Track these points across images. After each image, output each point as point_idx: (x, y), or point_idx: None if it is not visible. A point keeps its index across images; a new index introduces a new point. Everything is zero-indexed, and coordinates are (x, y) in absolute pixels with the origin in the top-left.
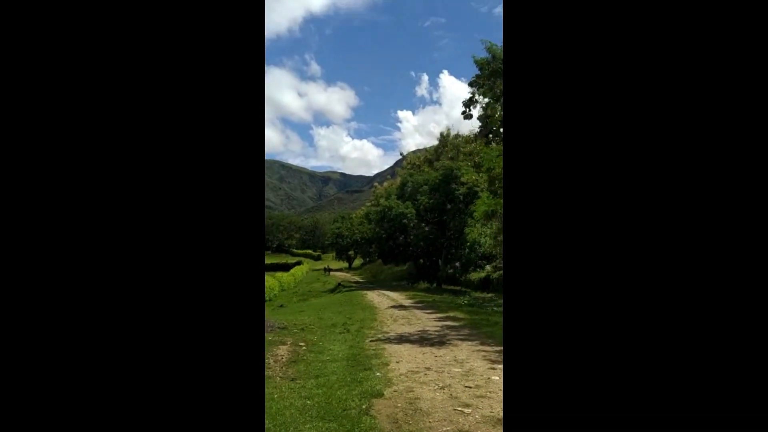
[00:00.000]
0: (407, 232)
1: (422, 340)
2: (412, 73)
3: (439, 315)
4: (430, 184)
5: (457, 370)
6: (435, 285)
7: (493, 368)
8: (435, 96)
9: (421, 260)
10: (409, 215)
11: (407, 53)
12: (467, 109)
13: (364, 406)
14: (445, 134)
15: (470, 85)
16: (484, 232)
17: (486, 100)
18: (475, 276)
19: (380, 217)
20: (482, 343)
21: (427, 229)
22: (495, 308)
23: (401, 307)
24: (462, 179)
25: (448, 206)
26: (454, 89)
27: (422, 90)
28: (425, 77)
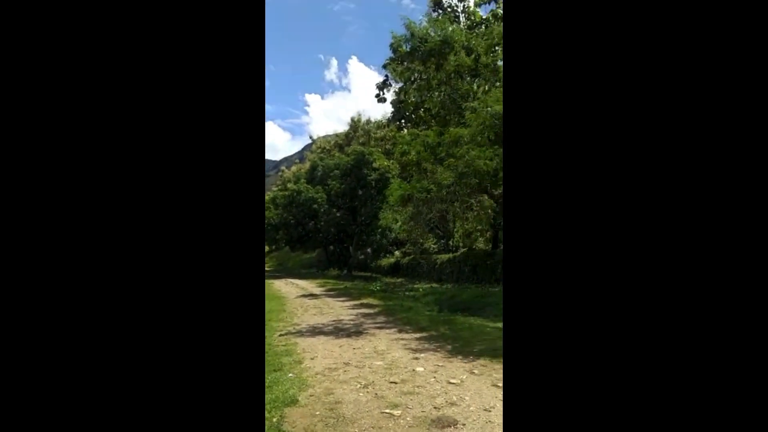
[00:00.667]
0: (318, 217)
1: (338, 330)
2: (321, 56)
3: (352, 302)
4: (342, 168)
5: (378, 363)
6: (346, 272)
7: (416, 358)
8: (344, 82)
9: (332, 247)
10: (319, 200)
11: (316, 35)
12: (381, 92)
13: (275, 419)
14: (356, 119)
15: (384, 67)
16: (396, 218)
17: (399, 84)
18: (386, 262)
19: (288, 202)
20: (400, 331)
21: (338, 214)
22: (407, 293)
23: (312, 295)
24: (374, 165)
25: (360, 192)
26: (364, 76)
27: (331, 74)
28: (334, 62)
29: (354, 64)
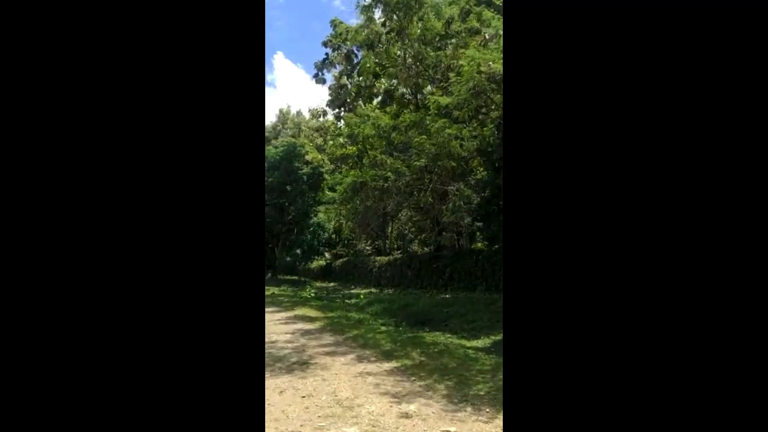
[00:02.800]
0: None
1: (273, 360)
2: None
3: (285, 315)
4: (270, 160)
5: (350, 430)
6: (271, 275)
7: (406, 415)
8: (270, 78)
9: None
10: None
11: None
12: (320, 73)
13: None
14: (284, 110)
15: (324, 45)
16: (339, 215)
17: (339, 68)
18: (316, 264)
19: None
20: (360, 359)
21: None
22: (346, 300)
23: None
24: (306, 157)
25: (289, 187)
26: (291, 73)
27: None
28: None
29: (280, 60)
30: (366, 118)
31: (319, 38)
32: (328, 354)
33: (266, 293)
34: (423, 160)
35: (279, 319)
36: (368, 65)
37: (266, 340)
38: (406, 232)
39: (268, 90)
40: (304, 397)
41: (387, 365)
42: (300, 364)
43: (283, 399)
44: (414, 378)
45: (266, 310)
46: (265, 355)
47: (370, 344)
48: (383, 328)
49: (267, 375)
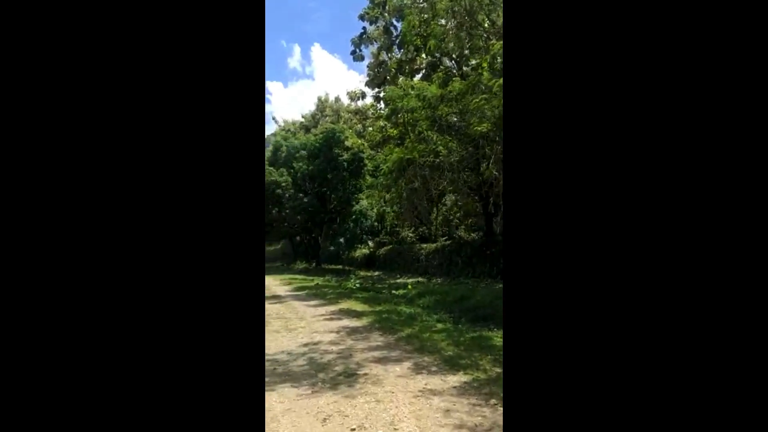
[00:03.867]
0: (282, 204)
1: (314, 369)
2: (283, 42)
3: (328, 308)
4: (309, 148)
5: None
6: (315, 265)
7: None
8: (308, 70)
9: (299, 237)
10: (283, 184)
11: (278, 19)
12: (357, 49)
13: None
14: (323, 98)
15: (361, 18)
16: (382, 199)
17: (378, 43)
18: (359, 253)
19: None
20: (418, 368)
21: (305, 200)
22: (393, 291)
23: (275, 297)
24: (346, 143)
25: (330, 175)
26: (328, 64)
27: (294, 62)
28: (297, 49)
29: (317, 52)
30: (410, 88)
31: (356, 28)
32: (379, 361)
33: (310, 284)
34: (485, 125)
35: (323, 315)
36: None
37: (309, 341)
38: (451, 217)
39: (306, 82)
40: (353, 430)
41: (453, 379)
42: (347, 376)
43: (326, 430)
44: (494, 400)
45: (309, 303)
46: (307, 363)
47: (429, 348)
48: (440, 326)
49: (308, 392)
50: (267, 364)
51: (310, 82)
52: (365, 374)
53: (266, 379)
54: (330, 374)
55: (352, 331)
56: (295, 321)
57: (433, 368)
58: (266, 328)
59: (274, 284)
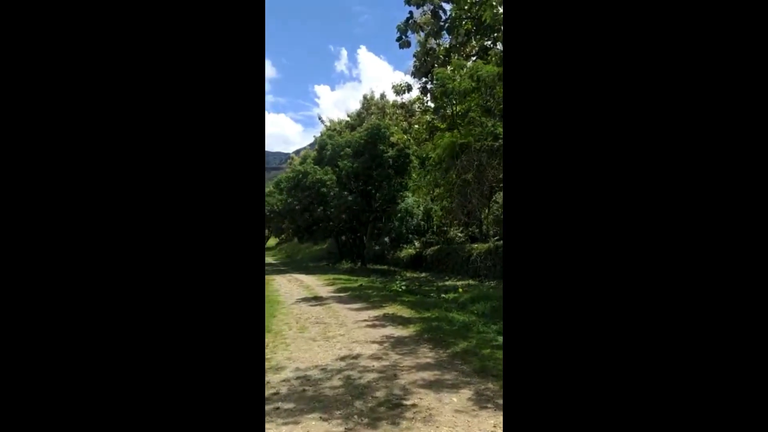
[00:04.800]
0: (327, 203)
1: (350, 394)
2: (331, 47)
3: (371, 313)
4: (354, 146)
5: None
6: (359, 265)
7: None
8: (354, 72)
9: (344, 236)
10: (328, 183)
11: (326, 25)
12: (403, 36)
13: None
14: (368, 96)
15: (407, 2)
16: (431, 189)
17: (426, 30)
18: (405, 253)
19: (293, 185)
20: (481, 399)
21: (350, 198)
22: (443, 295)
23: (316, 299)
24: (391, 139)
25: (375, 172)
26: (374, 66)
27: (341, 65)
28: (344, 52)
29: (363, 54)
30: (463, 68)
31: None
32: (430, 386)
33: (353, 285)
34: None
35: (365, 320)
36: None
37: (347, 353)
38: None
39: (353, 84)
40: None
41: None
42: (390, 407)
43: None
44: None
45: (352, 306)
46: (343, 384)
47: (491, 369)
48: (501, 339)
49: (340, 429)
50: (296, 382)
51: (357, 84)
52: (413, 405)
53: (291, 406)
54: (369, 402)
55: (398, 343)
56: (334, 327)
57: (501, 400)
58: (300, 337)
59: (317, 284)
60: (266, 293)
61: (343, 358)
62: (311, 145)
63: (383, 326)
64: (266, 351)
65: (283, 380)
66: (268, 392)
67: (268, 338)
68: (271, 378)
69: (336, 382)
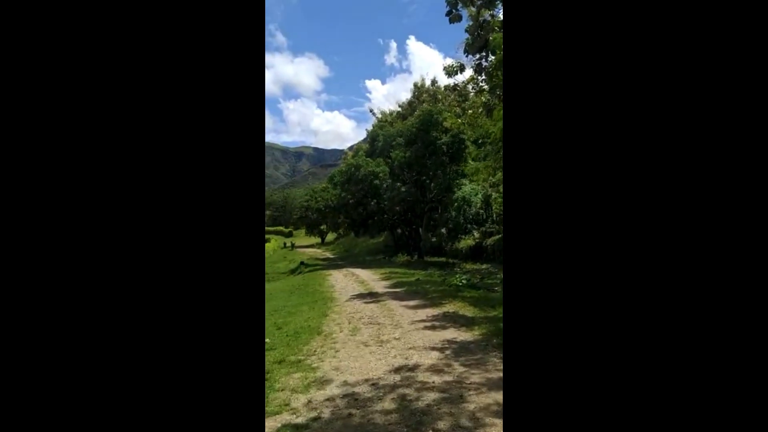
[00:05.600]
0: (380, 195)
1: (405, 425)
2: (380, 41)
3: (430, 312)
4: (406, 135)
5: None
6: (416, 257)
7: None
8: (405, 64)
9: (399, 229)
10: (381, 174)
11: (376, 19)
12: (453, 9)
13: None
14: (419, 84)
15: None
16: (488, 179)
17: (478, 2)
18: (464, 244)
19: (346, 179)
20: None
21: (403, 189)
22: None
23: (371, 295)
24: (444, 124)
25: (428, 161)
26: (424, 56)
27: (391, 58)
28: (393, 44)
29: (413, 44)
30: None
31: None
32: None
33: (410, 279)
34: None
35: (423, 320)
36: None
37: (402, 362)
38: None
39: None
40: None
41: None
42: None
43: None
44: None
45: (409, 304)
46: (397, 407)
47: None
48: None
49: None
50: (342, 402)
51: (407, 75)
52: None
53: (338, 420)
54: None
55: (461, 349)
56: (389, 329)
57: None
58: (351, 341)
59: (372, 279)
60: (321, 289)
61: (397, 370)
62: (365, 140)
63: (444, 328)
64: (313, 358)
65: (328, 398)
66: (308, 414)
67: (317, 341)
68: (314, 395)
69: (388, 404)
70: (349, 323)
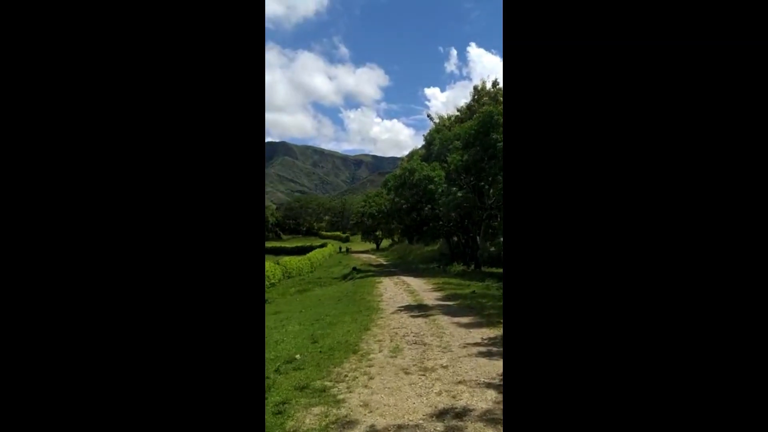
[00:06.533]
0: (435, 200)
1: None
2: (441, 48)
3: (485, 333)
4: (464, 138)
5: None
6: (473, 267)
7: None
8: (465, 71)
9: (455, 237)
10: (436, 179)
11: (437, 27)
12: None
13: None
14: (479, 87)
15: None
16: None
17: None
18: None
19: (400, 183)
20: None
21: (459, 195)
22: None
23: (420, 308)
24: None
25: (487, 165)
26: (485, 62)
27: (451, 66)
28: (454, 52)
29: (473, 51)
30: None
31: None
32: None
33: (465, 291)
34: None
35: (477, 343)
36: None
37: (448, 403)
38: None
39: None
40: None
41: None
42: None
43: None
44: None
45: (461, 321)
46: None
47: None
48: None
49: None
50: None
51: (467, 83)
52: None
53: None
54: None
55: None
56: (435, 352)
57: None
58: (393, 362)
59: (424, 289)
60: (368, 298)
61: (441, 414)
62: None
63: (501, 355)
64: (341, 386)
65: None
66: None
67: (351, 362)
68: None
69: None
70: (391, 341)
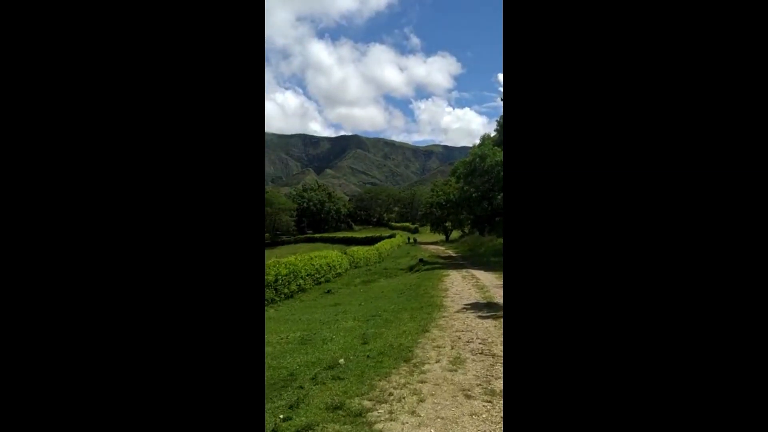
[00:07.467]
0: None
1: None
2: None
3: None
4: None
5: None
6: None
7: None
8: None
9: None
10: None
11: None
12: None
13: None
14: None
15: None
16: None
17: None
18: None
19: (469, 171)
20: None
21: None
22: None
23: (489, 307)
24: None
25: None
26: None
27: None
28: None
29: None
30: None
31: None
32: None
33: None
34: None
35: None
36: None
37: None
38: None
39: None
40: None
41: None
42: None
43: None
44: None
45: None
46: None
47: None
48: None
49: None
50: None
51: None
52: None
53: None
54: None
55: None
56: (499, 383)
57: None
58: (452, 378)
59: (494, 285)
60: (432, 293)
61: None
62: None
63: None
64: (383, 408)
65: None
66: None
67: (400, 374)
68: None
69: None
70: (452, 348)
